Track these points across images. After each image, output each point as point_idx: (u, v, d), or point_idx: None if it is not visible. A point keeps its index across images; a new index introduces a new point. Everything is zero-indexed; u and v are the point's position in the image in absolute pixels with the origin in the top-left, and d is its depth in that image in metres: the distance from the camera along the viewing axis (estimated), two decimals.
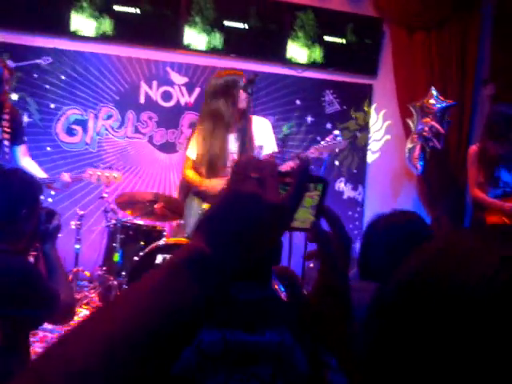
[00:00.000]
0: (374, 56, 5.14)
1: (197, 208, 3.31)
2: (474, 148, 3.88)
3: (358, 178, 5.21)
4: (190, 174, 3.34)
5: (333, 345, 0.73)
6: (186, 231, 3.36)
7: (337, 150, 3.31)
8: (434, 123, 4.71)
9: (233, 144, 3.27)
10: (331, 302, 0.70)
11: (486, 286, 0.37)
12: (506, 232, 0.44)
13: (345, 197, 5.18)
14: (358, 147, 5.19)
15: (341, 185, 5.17)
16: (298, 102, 5.01)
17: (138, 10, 4.54)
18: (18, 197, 1.66)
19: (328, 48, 5.00)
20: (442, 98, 4.77)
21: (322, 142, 3.30)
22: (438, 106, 4.75)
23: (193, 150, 3.36)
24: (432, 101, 4.76)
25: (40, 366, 0.42)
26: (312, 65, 4.99)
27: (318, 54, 4.99)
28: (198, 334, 0.54)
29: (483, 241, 0.42)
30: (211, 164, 3.19)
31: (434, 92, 4.78)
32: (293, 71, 4.97)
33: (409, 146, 4.88)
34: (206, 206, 3.26)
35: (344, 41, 5.04)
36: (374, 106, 5.23)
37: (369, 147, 5.25)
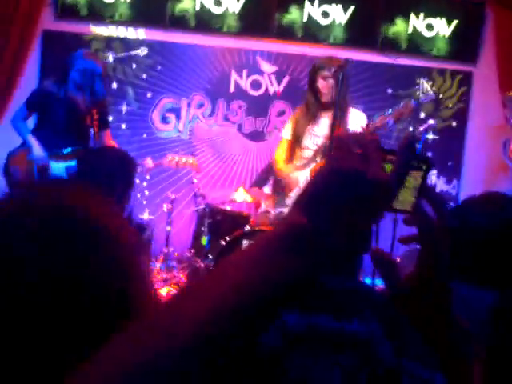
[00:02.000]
0: (474, 42, 4.83)
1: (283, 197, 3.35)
2: None
3: (453, 170, 4.95)
4: (278, 157, 3.42)
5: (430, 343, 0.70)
6: (269, 218, 3.40)
7: (404, 115, 3.15)
8: None
9: (323, 129, 3.26)
10: (428, 297, 0.66)
11: None
12: None
13: (437, 190, 4.94)
14: (452, 138, 4.93)
15: (433, 177, 4.94)
16: (389, 90, 4.84)
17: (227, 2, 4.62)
18: (114, 172, 1.74)
19: (424, 33, 4.77)
20: None
21: (390, 110, 3.19)
22: None
23: (286, 131, 3.50)
24: None
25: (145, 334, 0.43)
26: (407, 51, 4.79)
27: (412, 39, 4.79)
28: (283, 316, 0.54)
29: None
30: (292, 145, 3.33)
31: None
32: (388, 58, 4.80)
33: (504, 138, 4.56)
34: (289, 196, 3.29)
35: (443, 26, 4.78)
36: (472, 95, 4.92)
37: (465, 137, 4.96)
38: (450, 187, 4.96)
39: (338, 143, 0.52)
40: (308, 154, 3.31)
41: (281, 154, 3.43)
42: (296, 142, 3.33)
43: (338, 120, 3.03)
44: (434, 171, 4.91)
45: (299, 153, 3.33)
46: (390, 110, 3.20)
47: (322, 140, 3.27)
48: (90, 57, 3.43)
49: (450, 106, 4.91)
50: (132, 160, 1.89)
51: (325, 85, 3.26)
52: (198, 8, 4.61)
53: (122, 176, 1.80)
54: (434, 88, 4.87)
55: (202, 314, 0.44)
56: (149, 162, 3.46)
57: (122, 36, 4.61)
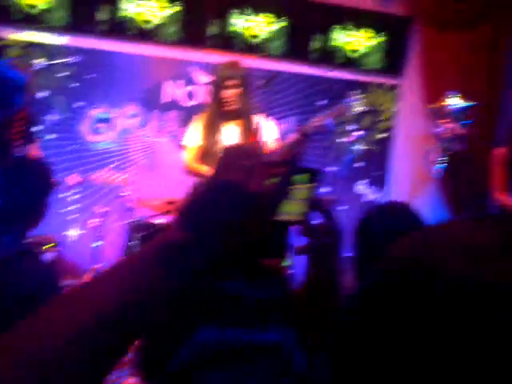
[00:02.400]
0: (399, 55, 5.06)
1: None
2: (501, 150, 3.77)
3: (379, 179, 5.13)
4: (189, 162, 3.43)
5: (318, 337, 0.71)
6: None
7: (341, 115, 3.23)
8: (453, 125, 4.62)
9: (232, 138, 3.29)
10: (322, 297, 0.68)
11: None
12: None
13: (365, 199, 5.11)
14: (379, 148, 5.11)
15: (362, 187, 5.10)
16: (320, 102, 4.97)
17: (162, 11, 4.59)
18: (37, 186, 1.67)
19: (354, 47, 4.95)
20: (461, 99, 4.67)
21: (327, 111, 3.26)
22: (457, 107, 4.64)
23: (189, 139, 3.43)
24: (451, 102, 4.66)
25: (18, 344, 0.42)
26: (339, 64, 4.94)
27: (340, 53, 4.95)
28: (196, 330, 0.54)
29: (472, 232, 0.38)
30: (203, 154, 3.27)
31: (453, 92, 4.68)
32: (316, 71, 4.93)
33: (428, 147, 4.80)
34: None
35: (370, 39, 4.97)
36: (397, 106, 5.14)
37: (391, 148, 5.17)
38: (377, 196, 5.14)
39: (226, 155, 0.53)
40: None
41: (191, 159, 3.36)
42: (204, 151, 3.28)
43: (248, 129, 3.09)
44: (363, 181, 5.07)
45: (209, 162, 3.27)
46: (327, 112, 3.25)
47: (240, 138, 3.28)
48: (7, 66, 3.29)
49: (380, 118, 5.10)
50: (52, 173, 1.82)
51: (231, 94, 3.20)
52: (132, 16, 4.54)
53: (40, 191, 1.73)
54: (364, 100, 5.04)
55: (86, 321, 0.43)
56: (74, 179, 3.33)
57: (51, 43, 4.46)
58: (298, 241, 0.72)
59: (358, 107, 5.02)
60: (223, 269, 0.52)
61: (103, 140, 4.65)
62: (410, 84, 5.09)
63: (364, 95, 5.05)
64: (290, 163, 0.55)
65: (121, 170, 3.97)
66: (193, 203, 0.50)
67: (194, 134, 3.41)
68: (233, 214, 0.49)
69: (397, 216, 1.34)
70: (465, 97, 4.71)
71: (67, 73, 4.49)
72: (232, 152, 0.54)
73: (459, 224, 0.42)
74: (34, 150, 3.46)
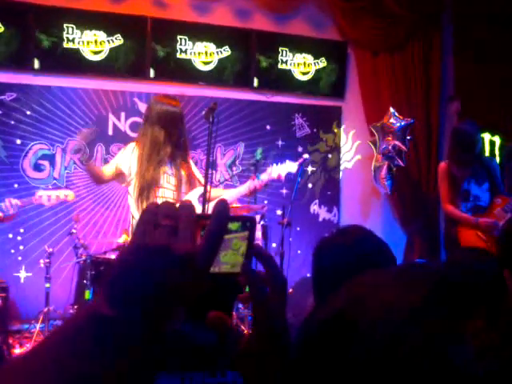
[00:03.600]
0: (340, 79, 5.22)
1: None
2: (443, 164, 3.94)
3: (331, 199, 5.22)
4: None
5: None
6: None
7: (291, 171, 3.23)
8: (396, 142, 4.79)
9: (168, 177, 3.13)
10: (268, 346, 0.66)
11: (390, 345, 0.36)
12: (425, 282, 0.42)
13: (320, 219, 5.17)
14: (329, 169, 5.22)
15: (315, 207, 5.17)
16: (268, 127, 5.03)
17: (101, 43, 4.53)
18: None
19: (296, 72, 5.06)
20: (400, 117, 4.86)
21: (275, 165, 3.23)
22: (398, 124, 4.83)
23: (125, 163, 3.16)
24: (392, 120, 4.84)
25: None
26: (281, 89, 5.03)
27: (285, 78, 5.05)
28: (156, 377, 0.50)
29: (398, 290, 0.41)
30: (141, 192, 3.06)
31: (393, 111, 4.87)
32: (262, 96, 5.00)
33: (374, 165, 4.94)
34: None
35: (311, 65, 5.11)
36: (342, 128, 5.28)
37: (340, 168, 5.28)
38: (331, 215, 5.22)
39: (146, 216, 0.50)
40: (167, 193, 3.12)
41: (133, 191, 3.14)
42: (149, 181, 3.07)
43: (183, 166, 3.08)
44: (316, 201, 5.14)
45: (156, 192, 3.09)
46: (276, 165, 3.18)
47: (175, 179, 3.14)
48: None
49: (325, 139, 5.21)
50: None
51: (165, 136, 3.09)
52: (70, 48, 4.44)
53: None
54: (308, 123, 5.14)
55: None
56: (7, 205, 3.13)
57: None
58: (240, 291, 0.70)
59: (305, 129, 5.12)
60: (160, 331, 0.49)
61: (46, 177, 4.48)
62: (351, 105, 5.25)
63: (308, 118, 5.15)
64: (216, 216, 0.52)
65: (68, 208, 3.82)
66: (114, 273, 0.47)
67: (127, 160, 3.15)
68: (159, 281, 0.46)
69: (350, 241, 1.32)
70: (404, 114, 4.90)
71: (5, 110, 4.32)
72: (153, 211, 0.51)
73: (389, 280, 0.45)
74: None
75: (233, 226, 0.55)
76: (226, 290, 1.29)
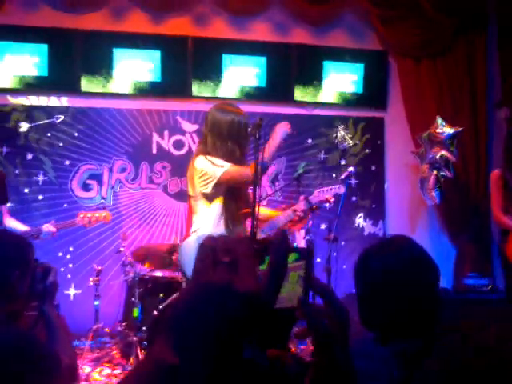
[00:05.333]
0: (382, 89, 5.13)
1: None
2: (496, 172, 3.77)
3: (377, 212, 5.12)
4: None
5: None
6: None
7: (335, 194, 3.10)
8: (444, 152, 4.65)
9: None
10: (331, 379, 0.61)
11: None
12: None
13: (365, 233, 5.07)
14: (374, 181, 5.12)
15: (360, 220, 5.07)
16: (309, 140, 4.99)
17: (145, 64, 4.64)
18: (8, 259, 1.63)
19: (336, 84, 5.02)
20: (448, 126, 4.72)
21: (316, 191, 3.11)
22: (445, 134, 4.68)
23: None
24: (439, 130, 4.71)
25: None
26: (322, 103, 4.99)
27: (325, 90, 5.01)
28: None
29: None
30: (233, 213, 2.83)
31: (440, 120, 4.74)
32: (303, 110, 4.97)
33: (421, 176, 4.81)
34: None
35: (351, 75, 5.05)
36: (386, 139, 5.18)
37: (387, 183, 5.17)
38: (376, 229, 5.11)
39: (204, 252, 0.47)
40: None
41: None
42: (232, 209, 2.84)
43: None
44: (361, 214, 5.04)
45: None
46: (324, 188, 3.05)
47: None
48: None
49: (367, 151, 5.12)
50: (28, 243, 1.77)
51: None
52: (113, 71, 4.57)
53: (17, 262, 1.68)
54: (350, 135, 5.08)
55: None
56: (49, 227, 3.27)
57: (35, 104, 4.46)
58: (299, 325, 0.65)
59: (347, 142, 5.05)
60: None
61: (94, 196, 4.59)
62: (394, 115, 5.15)
63: (351, 130, 5.09)
64: (276, 250, 0.49)
65: (115, 227, 3.90)
66: (178, 314, 0.44)
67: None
68: (223, 322, 0.43)
69: (395, 252, 1.26)
70: (450, 123, 4.76)
71: (53, 133, 4.47)
72: (210, 248, 0.49)
73: None
74: (4, 214, 3.38)
75: (290, 257, 0.53)
76: (281, 323, 1.25)
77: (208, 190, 2.75)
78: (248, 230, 2.68)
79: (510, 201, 3.61)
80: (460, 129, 4.74)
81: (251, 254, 0.47)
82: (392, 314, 1.19)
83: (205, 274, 0.45)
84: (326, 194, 3.00)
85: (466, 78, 5.10)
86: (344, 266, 4.68)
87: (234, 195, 2.80)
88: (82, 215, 3.41)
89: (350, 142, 5.07)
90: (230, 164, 2.76)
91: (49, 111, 4.46)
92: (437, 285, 1.24)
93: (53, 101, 4.51)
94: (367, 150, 5.12)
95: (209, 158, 2.76)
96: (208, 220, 2.77)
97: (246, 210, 2.75)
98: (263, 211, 2.90)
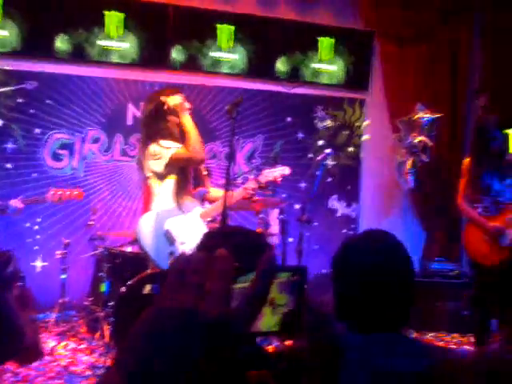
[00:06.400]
0: (365, 70, 5.07)
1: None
2: (466, 160, 3.83)
3: (351, 194, 5.12)
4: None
5: None
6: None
7: (280, 176, 3.09)
8: (422, 137, 4.67)
9: None
10: None
11: None
12: None
13: (338, 214, 5.08)
14: (349, 163, 5.11)
15: (334, 202, 5.07)
16: (288, 119, 4.93)
17: (123, 31, 4.47)
18: None
19: (319, 63, 4.94)
20: (428, 112, 4.73)
21: (265, 171, 3.08)
22: (425, 119, 4.69)
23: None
24: (418, 115, 4.72)
25: None
26: (303, 81, 4.92)
27: (306, 69, 4.93)
28: None
29: None
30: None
31: (420, 106, 4.74)
32: (282, 88, 4.89)
33: (398, 160, 4.83)
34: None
35: (334, 55, 4.98)
36: (366, 122, 5.15)
37: (363, 165, 5.16)
38: (349, 210, 5.12)
39: (173, 271, 0.41)
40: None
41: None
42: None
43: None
44: (335, 196, 5.04)
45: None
46: (266, 171, 3.04)
47: None
48: None
49: (347, 132, 5.09)
50: (4, 255, 1.68)
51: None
52: (90, 39, 4.39)
53: None
54: (329, 115, 5.03)
55: None
56: (16, 203, 3.17)
57: (7, 68, 4.28)
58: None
59: (326, 123, 5.01)
60: None
61: (65, 166, 4.47)
62: (375, 98, 5.11)
63: (331, 111, 5.04)
64: (267, 274, 0.43)
65: (85, 199, 3.81)
66: (133, 347, 0.38)
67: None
68: (187, 349, 0.37)
69: (374, 246, 1.27)
70: (431, 109, 4.76)
71: (24, 99, 4.31)
72: (179, 267, 0.42)
73: None
74: None
75: (279, 277, 0.47)
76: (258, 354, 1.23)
77: (160, 169, 2.89)
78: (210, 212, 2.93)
79: (473, 189, 3.66)
80: (439, 115, 4.75)
81: (226, 274, 0.40)
82: (371, 306, 1.22)
83: (169, 298, 0.38)
84: (273, 174, 3.03)
85: (448, 63, 5.07)
86: (316, 247, 4.69)
87: (184, 173, 2.96)
88: (52, 192, 3.31)
89: (329, 122, 5.03)
90: (178, 146, 2.89)
91: (21, 76, 4.28)
92: (414, 275, 1.27)
93: (24, 65, 4.33)
94: (345, 132, 5.09)
95: (160, 141, 2.89)
96: (161, 197, 2.93)
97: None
98: (217, 192, 3.12)
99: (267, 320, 0.47)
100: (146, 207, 3.16)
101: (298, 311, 0.49)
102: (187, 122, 2.92)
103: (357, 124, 5.11)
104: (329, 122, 5.01)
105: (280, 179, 3.09)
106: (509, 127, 4.90)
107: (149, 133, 2.94)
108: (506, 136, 4.92)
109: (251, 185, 3.00)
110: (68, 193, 3.31)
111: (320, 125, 5.02)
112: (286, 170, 3.11)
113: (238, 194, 2.99)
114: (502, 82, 4.89)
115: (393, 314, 1.21)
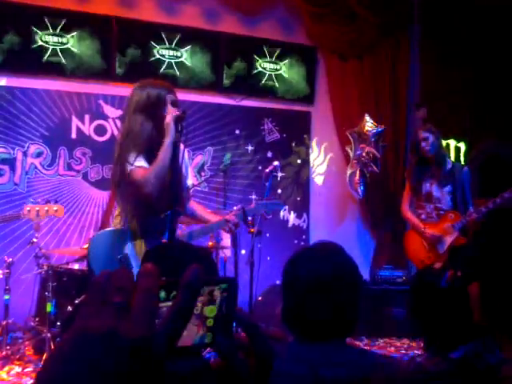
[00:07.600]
0: (310, 84, 5.19)
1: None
2: (408, 169, 4.06)
3: (301, 205, 5.19)
4: None
5: None
6: None
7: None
8: (370, 148, 4.83)
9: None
10: None
11: None
12: None
13: (290, 225, 5.14)
14: (301, 180, 5.19)
15: (285, 213, 5.13)
16: (237, 131, 4.96)
17: (66, 42, 4.36)
18: None
19: (265, 76, 5.01)
20: (375, 124, 4.92)
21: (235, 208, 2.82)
22: (373, 131, 4.87)
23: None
24: (367, 127, 4.89)
25: None
26: (250, 93, 4.97)
27: (254, 82, 4.99)
28: None
29: None
30: None
31: (368, 118, 4.92)
32: (231, 100, 4.92)
33: (349, 171, 4.97)
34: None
35: (280, 69, 5.07)
36: (315, 140, 5.26)
37: (312, 176, 5.26)
38: (300, 221, 5.19)
39: (92, 291, 0.39)
40: None
41: None
42: None
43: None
44: (286, 207, 5.10)
45: None
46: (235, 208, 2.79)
47: None
48: None
49: (296, 152, 5.18)
50: None
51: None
52: (32, 47, 4.25)
53: None
54: (277, 128, 5.10)
55: None
56: None
57: None
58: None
59: (274, 134, 5.07)
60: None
61: (6, 182, 4.28)
62: (321, 110, 5.23)
63: (278, 123, 5.11)
64: (191, 287, 0.43)
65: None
66: (51, 366, 0.36)
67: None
68: (105, 374, 0.36)
69: (322, 258, 1.29)
70: (375, 121, 4.93)
71: None
72: (100, 285, 0.41)
73: None
74: None
75: (205, 290, 0.47)
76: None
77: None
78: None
79: (419, 195, 3.85)
80: (384, 127, 4.94)
81: (149, 291, 0.39)
82: (316, 316, 1.22)
83: (88, 319, 0.36)
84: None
85: (389, 78, 5.27)
86: (268, 258, 4.72)
87: None
88: (28, 208, 3.08)
89: (277, 134, 5.09)
90: (141, 164, 2.42)
91: None
92: (360, 286, 1.29)
93: None
94: (293, 144, 5.17)
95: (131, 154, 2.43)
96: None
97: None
98: (201, 211, 2.78)
99: (198, 333, 0.47)
100: (104, 222, 2.76)
101: (228, 322, 0.49)
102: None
103: (305, 136, 5.20)
104: (277, 134, 5.07)
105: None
106: (447, 138, 5.16)
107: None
108: (448, 146, 5.19)
109: (234, 219, 2.64)
110: (46, 208, 3.09)
111: (268, 137, 5.08)
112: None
113: (217, 224, 2.67)
114: (441, 94, 5.13)
115: (338, 324, 1.22)
